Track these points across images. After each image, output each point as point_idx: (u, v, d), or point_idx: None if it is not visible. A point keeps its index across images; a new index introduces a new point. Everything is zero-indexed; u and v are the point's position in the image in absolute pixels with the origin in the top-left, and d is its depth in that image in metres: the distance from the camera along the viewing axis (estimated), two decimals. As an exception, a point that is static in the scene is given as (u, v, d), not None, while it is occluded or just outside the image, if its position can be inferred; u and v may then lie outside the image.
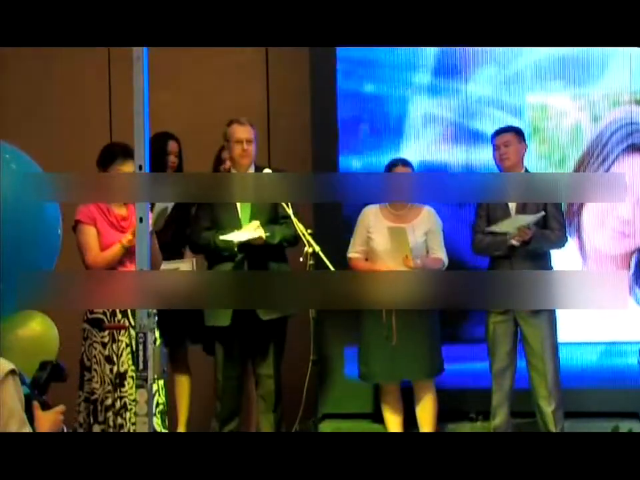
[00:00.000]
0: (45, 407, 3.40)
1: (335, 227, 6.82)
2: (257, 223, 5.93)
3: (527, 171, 6.21)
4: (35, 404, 3.37)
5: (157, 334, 5.36)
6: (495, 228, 6.00)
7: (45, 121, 7.16)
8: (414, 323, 6.08)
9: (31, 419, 3.32)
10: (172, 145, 6.39)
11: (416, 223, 6.17)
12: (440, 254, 6.15)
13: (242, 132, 6.08)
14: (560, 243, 6.14)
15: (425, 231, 6.16)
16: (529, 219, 5.95)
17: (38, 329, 5.17)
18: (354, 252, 6.27)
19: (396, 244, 6.03)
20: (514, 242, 5.96)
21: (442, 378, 6.30)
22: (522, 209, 6.05)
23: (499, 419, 6.11)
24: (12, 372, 3.21)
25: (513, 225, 5.97)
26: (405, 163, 6.21)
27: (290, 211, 5.79)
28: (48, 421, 3.36)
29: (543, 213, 5.98)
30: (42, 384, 3.62)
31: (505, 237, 5.98)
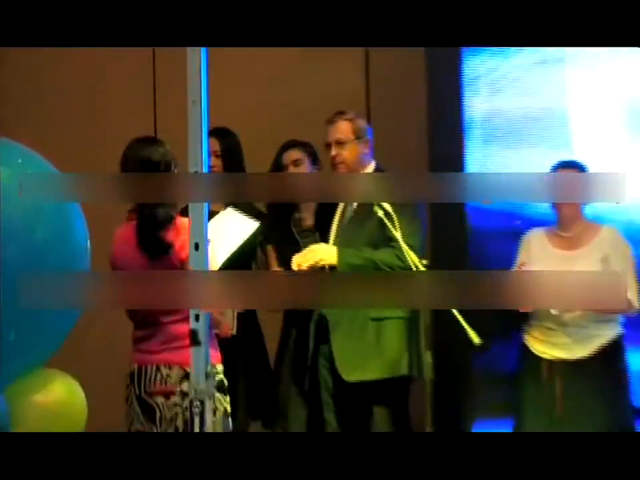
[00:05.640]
0: None
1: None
2: None
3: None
4: None
5: (226, 400, 4.20)
6: None
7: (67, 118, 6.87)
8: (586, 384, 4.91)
9: None
10: (212, 144, 5.08)
11: (588, 249, 4.88)
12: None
13: (330, 133, 4.98)
14: None
15: (601, 257, 4.84)
16: None
17: (60, 394, 4.13)
18: None
19: None
20: None
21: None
22: None
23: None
24: None
25: None
26: (569, 165, 4.99)
27: (398, 234, 4.70)
28: None
29: None
30: None
31: None
